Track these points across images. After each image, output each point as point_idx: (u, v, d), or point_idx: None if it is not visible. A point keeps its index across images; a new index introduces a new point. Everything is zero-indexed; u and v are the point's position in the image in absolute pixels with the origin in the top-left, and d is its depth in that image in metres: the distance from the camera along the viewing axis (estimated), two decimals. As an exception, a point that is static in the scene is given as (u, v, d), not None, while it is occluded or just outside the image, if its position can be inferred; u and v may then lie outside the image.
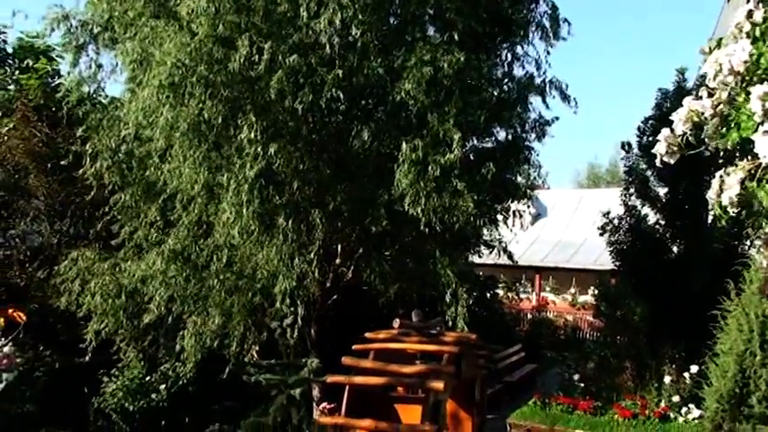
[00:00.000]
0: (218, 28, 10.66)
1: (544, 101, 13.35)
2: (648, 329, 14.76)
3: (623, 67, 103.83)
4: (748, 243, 14.59)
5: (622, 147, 17.03)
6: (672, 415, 12.19)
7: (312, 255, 11.86)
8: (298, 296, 12.07)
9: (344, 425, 5.76)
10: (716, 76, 2.00)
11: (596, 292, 20.44)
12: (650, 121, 16.47)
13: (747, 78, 1.99)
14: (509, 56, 13.64)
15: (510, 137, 13.51)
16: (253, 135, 10.75)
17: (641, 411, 12.37)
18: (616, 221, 16.43)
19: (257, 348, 14.03)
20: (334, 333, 14.05)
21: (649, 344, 14.59)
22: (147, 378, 13.38)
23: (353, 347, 5.95)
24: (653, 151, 2.36)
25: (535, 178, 13.63)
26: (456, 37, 11.76)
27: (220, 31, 10.70)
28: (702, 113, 2.14)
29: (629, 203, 16.38)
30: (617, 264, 16.47)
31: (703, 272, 13.70)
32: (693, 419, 11.72)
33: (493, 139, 13.68)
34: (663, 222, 16.20)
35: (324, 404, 11.24)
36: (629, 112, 78.90)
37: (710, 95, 2.11)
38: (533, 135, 13.68)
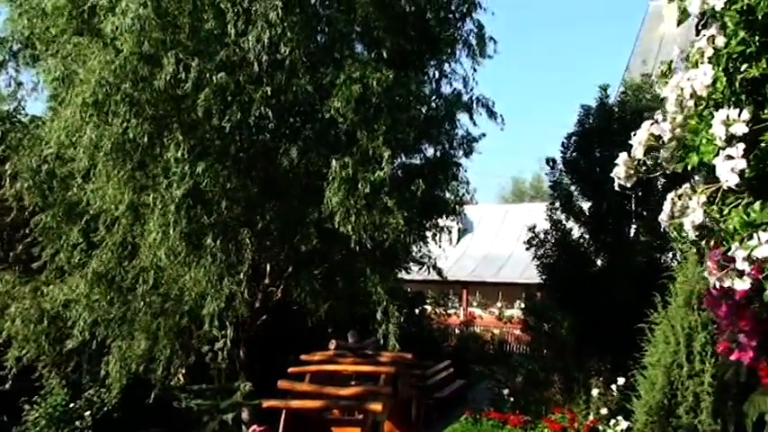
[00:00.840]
0: (143, 45, 10.46)
1: (471, 118, 13.48)
2: (575, 342, 14.94)
3: (546, 82, 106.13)
4: (670, 255, 14.95)
5: (547, 162, 17.27)
6: (600, 428, 12.34)
7: (241, 275, 11.68)
8: (227, 317, 11.86)
9: (281, 450, 5.63)
10: (677, 100, 2.00)
11: (523, 305, 20.72)
12: (573, 137, 16.77)
13: (702, 103, 2.01)
14: (437, 73, 13.75)
15: (438, 153, 13.58)
16: (180, 154, 10.57)
17: (570, 425, 12.52)
18: (542, 236, 16.62)
19: (184, 372, 13.74)
20: (263, 354, 13.86)
21: (576, 357, 14.77)
22: (71, 405, 12.93)
23: (289, 370, 5.82)
24: (611, 175, 2.35)
25: (464, 194, 13.72)
26: (384, 54, 11.81)
27: (146, 49, 10.51)
28: (660, 137, 2.14)
29: (555, 218, 16.61)
30: (543, 277, 16.65)
31: (627, 285, 13.94)
32: (621, 431, 11.89)
33: (421, 155, 13.74)
34: (587, 236, 16.47)
35: (254, 427, 11.06)
36: (551, 126, 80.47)
37: (665, 119, 2.12)
38: (461, 152, 13.79)
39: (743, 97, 1.95)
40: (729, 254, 1.89)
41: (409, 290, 20.91)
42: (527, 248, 16.88)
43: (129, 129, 10.60)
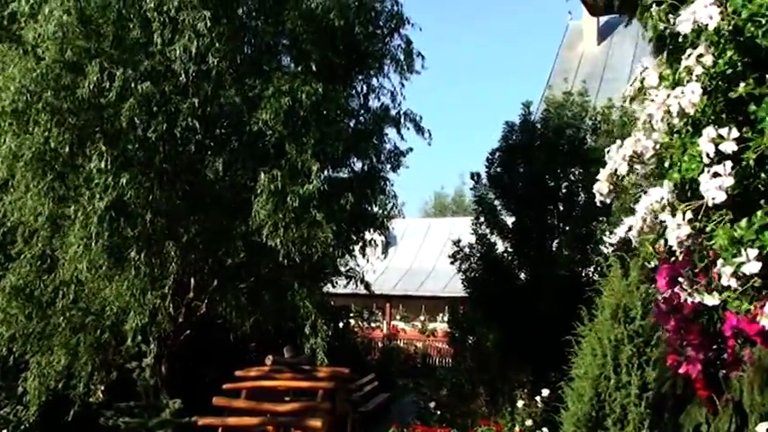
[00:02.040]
0: (66, 53, 10.22)
1: (399, 132, 13.56)
2: (500, 355, 15.14)
3: (468, 97, 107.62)
4: (592, 269, 15.29)
5: (471, 177, 17.50)
6: (526, 439, 12.52)
7: (165, 289, 11.49)
8: (150, 332, 11.62)
9: (218, 470, 5.51)
10: (665, 117, 2.05)
11: (448, 319, 20.89)
12: (497, 153, 17.03)
13: (685, 121, 2.06)
14: (365, 87, 13.77)
15: (366, 167, 13.60)
16: (103, 165, 10.33)
17: (496, 437, 12.64)
18: (467, 250, 16.81)
19: (103, 389, 13.38)
20: (187, 370, 13.60)
21: (501, 369, 14.97)
22: (-15, 423, 12.44)
23: (224, 386, 5.68)
24: (593, 190, 2.38)
25: (392, 208, 13.75)
26: (312, 67, 11.77)
27: (69, 57, 10.27)
28: (641, 154, 2.19)
29: (480, 232, 16.81)
30: (468, 291, 16.82)
31: (551, 298, 14.20)
32: (547, 442, 12.06)
33: (350, 169, 13.75)
34: (511, 250, 16.72)
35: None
36: (473, 141, 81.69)
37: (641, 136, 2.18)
38: (389, 166, 13.84)
39: (723, 116, 2.01)
40: (714, 270, 1.94)
41: (333, 303, 20.83)
42: (451, 262, 17.04)
43: (51, 138, 10.33)
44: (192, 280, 13.02)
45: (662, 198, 2.00)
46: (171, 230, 11.81)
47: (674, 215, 1.98)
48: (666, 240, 2.05)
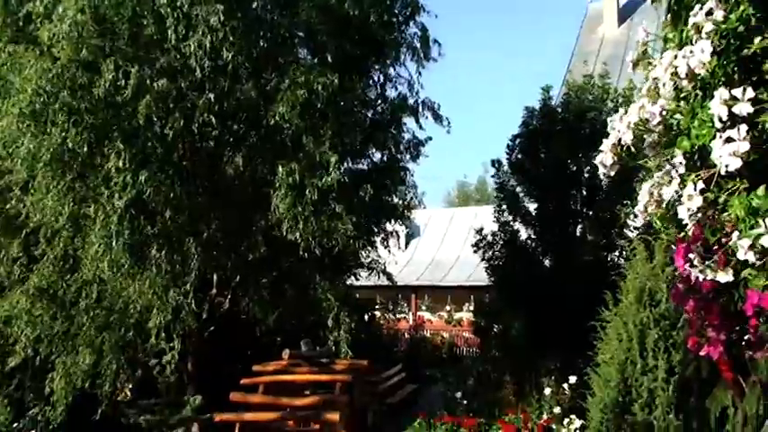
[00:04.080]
0: (81, 52, 10.23)
1: (417, 121, 13.44)
2: (526, 343, 15.02)
3: (488, 85, 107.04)
4: (617, 254, 15.12)
5: (492, 164, 17.37)
6: (554, 426, 12.38)
7: (188, 286, 11.46)
8: (173, 330, 11.62)
9: (237, 465, 5.47)
10: (672, 80, 1.93)
11: (473, 308, 20.79)
12: (518, 139, 16.88)
13: (695, 84, 1.93)
14: (381, 77, 13.66)
15: (385, 158, 13.52)
16: (121, 163, 10.32)
17: (524, 425, 12.52)
18: (490, 238, 16.69)
19: (130, 387, 13.42)
20: (212, 366, 13.61)
21: (527, 357, 14.84)
22: (15, 425, 12.52)
23: (241, 381, 5.65)
24: (596, 162, 2.26)
25: (412, 198, 13.66)
26: (328, 59, 11.70)
27: (84, 56, 10.27)
28: (647, 121, 2.06)
29: (502, 219, 16.69)
30: (493, 279, 16.71)
31: (575, 283, 14.05)
32: (575, 430, 11.93)
33: (368, 160, 13.67)
34: (534, 237, 16.58)
35: (204, 441, 10.85)
36: (495, 129, 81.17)
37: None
38: (408, 156, 13.73)
39: (735, 77, 1.87)
40: (731, 243, 1.82)
41: (358, 296, 20.78)
42: (475, 251, 16.92)
43: (69, 138, 10.32)
44: (215, 276, 13.01)
45: (668, 170, 1.88)
46: (192, 227, 11.79)
47: (681, 186, 1.85)
48: (676, 216, 1.93)
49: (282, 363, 5.70)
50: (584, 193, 15.98)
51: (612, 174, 2.22)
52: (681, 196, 1.85)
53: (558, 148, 15.73)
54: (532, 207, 16.61)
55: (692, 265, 1.98)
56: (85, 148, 10.57)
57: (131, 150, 10.53)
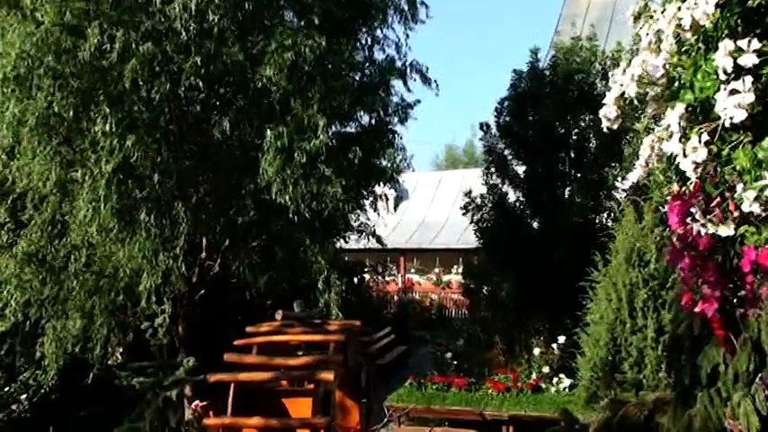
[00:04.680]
0: (65, 16, 10.10)
1: (405, 84, 13.33)
2: (515, 304, 15.15)
3: (475, 48, 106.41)
4: (605, 216, 15.21)
5: (481, 128, 17.36)
6: (543, 386, 12.55)
7: (177, 250, 11.45)
8: (164, 293, 11.63)
9: (232, 425, 5.51)
10: (675, 32, 1.91)
11: (462, 270, 20.88)
12: (506, 102, 16.86)
13: (698, 36, 1.92)
14: (369, 40, 13.52)
15: (373, 121, 13.43)
16: (107, 127, 10.23)
17: (514, 384, 12.68)
18: (478, 200, 16.74)
19: (121, 351, 13.45)
20: (203, 329, 13.66)
21: (516, 318, 14.98)
22: (6, 389, 12.56)
23: (235, 342, 5.70)
24: (600, 115, 2.25)
25: (401, 161, 13.61)
26: (315, 21, 11.59)
27: (68, 20, 10.14)
28: (650, 75, 2.05)
29: (491, 182, 16.71)
30: (481, 241, 16.78)
31: (564, 245, 14.15)
32: (564, 389, 12.09)
33: (357, 123, 13.58)
34: (523, 199, 16.63)
35: (195, 402, 10.87)
36: (482, 93, 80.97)
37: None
38: (396, 118, 13.66)
39: (739, 30, 1.86)
40: (736, 196, 1.82)
41: (347, 259, 20.82)
42: (464, 213, 16.98)
43: (54, 102, 10.24)
44: (204, 240, 12.99)
45: (669, 124, 1.88)
46: (180, 191, 11.74)
47: (682, 140, 1.85)
48: (678, 173, 1.93)
49: (275, 323, 5.73)
50: (573, 155, 16.02)
51: (615, 127, 2.21)
52: (684, 150, 1.84)
53: (547, 110, 15.72)
54: (521, 170, 16.65)
55: (693, 220, 1.98)
56: (71, 113, 10.48)
57: (118, 114, 10.44)
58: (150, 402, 6.07)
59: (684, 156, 1.84)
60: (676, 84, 1.97)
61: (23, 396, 12.63)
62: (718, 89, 1.81)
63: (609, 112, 2.19)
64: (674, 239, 2.30)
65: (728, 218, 1.88)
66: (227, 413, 5.59)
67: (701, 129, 1.85)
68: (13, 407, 12.46)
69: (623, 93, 2.11)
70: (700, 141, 1.83)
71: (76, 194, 11.03)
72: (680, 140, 1.87)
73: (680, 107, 1.88)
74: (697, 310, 2.35)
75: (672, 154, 1.93)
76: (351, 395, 6.63)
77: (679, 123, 1.85)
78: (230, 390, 5.62)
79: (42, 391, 12.53)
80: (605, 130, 2.28)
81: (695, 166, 1.85)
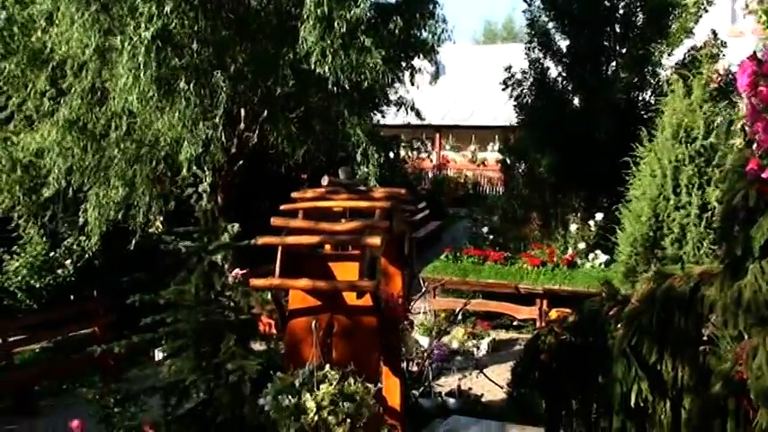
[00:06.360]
0: None
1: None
2: (553, 180, 15.04)
3: None
4: (648, 93, 14.87)
5: (524, -1, 16.81)
6: (579, 261, 12.59)
7: (216, 119, 11.44)
8: (204, 162, 11.70)
9: (280, 286, 5.63)
10: None
11: (500, 146, 20.72)
12: (551, -28, 16.23)
13: None
14: None
15: (414, -10, 13.07)
16: (146, -7, 10.08)
17: (549, 259, 12.73)
18: (519, 75, 16.39)
19: (162, 219, 13.66)
20: (241, 200, 13.80)
21: (554, 194, 14.91)
22: (51, 254, 12.85)
23: (281, 207, 5.76)
24: None
25: (441, 33, 13.27)
26: None
27: None
28: None
29: (532, 57, 16.31)
30: (521, 117, 16.52)
31: (606, 122, 13.89)
32: (600, 264, 12.15)
33: (396, -8, 13.22)
34: (565, 74, 16.25)
35: (236, 270, 11.08)
36: (521, -34, 77.98)
37: None
38: (437, -12, 13.26)
39: None
40: None
41: (383, 134, 20.76)
42: (503, 89, 16.64)
43: (91, -34, 10.06)
44: (243, 111, 12.96)
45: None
46: (219, 60, 11.64)
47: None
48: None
49: (321, 190, 5.75)
50: (618, 29, 15.49)
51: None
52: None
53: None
54: (564, 44, 16.18)
55: (743, 88, 1.91)
56: (109, -23, 10.33)
57: (155, -20, 10.27)
58: (196, 266, 6.13)
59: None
60: None
61: (68, 261, 12.94)
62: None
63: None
64: (750, 98, 2.23)
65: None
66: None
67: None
68: (59, 271, 12.78)
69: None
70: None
71: (116, 62, 10.99)
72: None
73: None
74: (765, 176, 2.31)
75: None
76: (394, 262, 6.67)
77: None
78: (278, 252, 5.67)
79: (86, 256, 12.82)
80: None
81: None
